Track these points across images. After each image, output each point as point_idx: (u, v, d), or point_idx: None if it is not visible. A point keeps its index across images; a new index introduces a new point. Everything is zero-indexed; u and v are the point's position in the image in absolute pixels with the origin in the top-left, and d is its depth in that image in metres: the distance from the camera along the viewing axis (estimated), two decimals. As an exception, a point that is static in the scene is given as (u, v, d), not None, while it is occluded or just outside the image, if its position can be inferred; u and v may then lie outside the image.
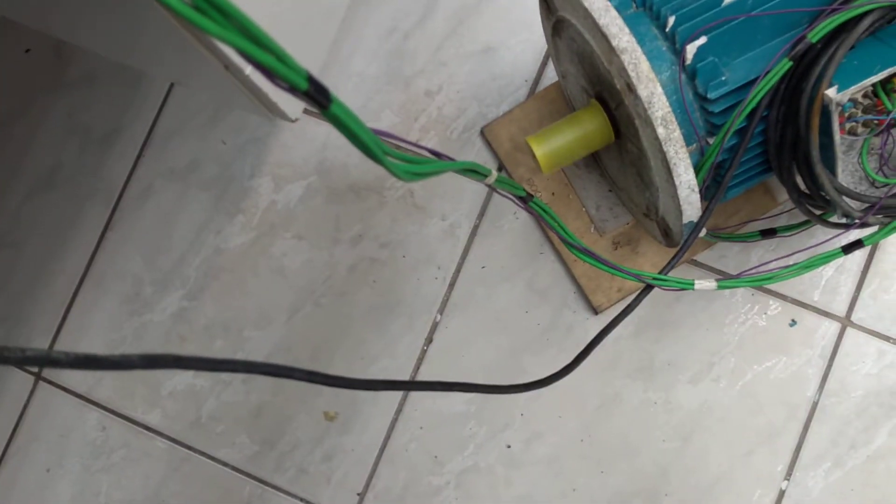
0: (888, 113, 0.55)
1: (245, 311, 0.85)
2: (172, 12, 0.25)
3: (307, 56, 0.65)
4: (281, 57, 0.27)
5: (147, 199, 0.87)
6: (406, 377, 0.83)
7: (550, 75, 0.84)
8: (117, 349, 0.86)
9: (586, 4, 0.56)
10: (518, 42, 0.85)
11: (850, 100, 0.54)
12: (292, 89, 0.28)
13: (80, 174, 0.89)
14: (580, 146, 0.66)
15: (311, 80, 0.28)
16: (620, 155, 0.69)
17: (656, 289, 0.62)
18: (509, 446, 0.81)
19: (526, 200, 0.58)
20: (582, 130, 0.65)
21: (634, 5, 0.61)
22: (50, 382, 0.87)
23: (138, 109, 0.88)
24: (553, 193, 0.82)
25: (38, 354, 0.31)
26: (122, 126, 0.88)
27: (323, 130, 0.85)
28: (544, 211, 0.60)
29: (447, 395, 0.81)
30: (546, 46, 0.83)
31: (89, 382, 0.86)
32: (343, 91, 0.85)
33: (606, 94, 0.64)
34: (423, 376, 0.82)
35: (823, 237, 0.76)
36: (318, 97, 0.29)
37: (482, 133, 0.84)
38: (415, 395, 0.82)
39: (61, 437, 0.87)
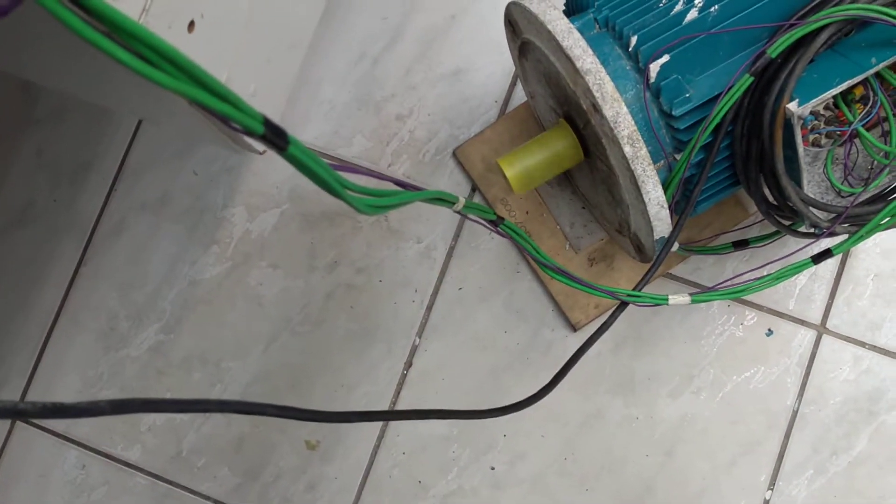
0: (850, 124, 0.56)
1: (223, 343, 0.84)
2: (126, 67, 0.25)
3: (273, 87, 0.65)
4: (235, 103, 0.27)
5: (120, 234, 0.87)
6: (387, 403, 0.82)
7: (520, 95, 0.84)
8: (94, 386, 0.85)
9: (549, 27, 0.57)
10: (487, 63, 0.85)
11: (811, 112, 0.55)
12: (249, 133, 0.28)
13: (52, 210, 0.88)
14: (550, 166, 0.66)
15: (268, 123, 0.28)
16: (591, 173, 0.70)
17: (633, 304, 0.62)
18: (493, 468, 0.81)
19: (496, 223, 0.59)
20: (551, 151, 0.65)
21: (598, 26, 0.61)
22: (27, 422, 0.86)
23: (109, 143, 0.88)
24: (527, 212, 0.82)
25: (4, 407, 0.31)
26: (93, 161, 0.88)
27: (295, 158, 0.85)
28: (516, 233, 0.60)
29: (428, 420, 0.81)
30: (515, 67, 0.83)
31: (67, 420, 0.85)
32: (313, 118, 0.85)
33: (574, 113, 0.64)
34: (404, 401, 0.82)
35: (796, 246, 0.77)
36: (275, 140, 0.29)
37: (454, 155, 0.84)
38: (396, 421, 0.82)
39: (41, 476, 0.86)
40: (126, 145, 0.88)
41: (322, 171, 0.32)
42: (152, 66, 0.25)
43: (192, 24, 0.46)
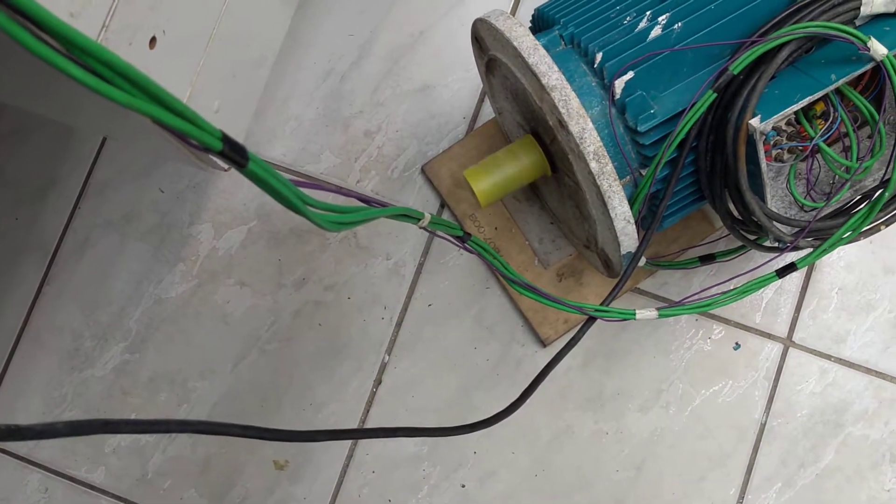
0: (811, 139, 0.56)
1: (189, 362, 0.83)
2: (79, 83, 0.24)
3: (239, 104, 0.65)
4: (192, 120, 0.26)
5: (84, 252, 0.86)
6: (356, 421, 0.81)
7: (488, 112, 0.84)
8: (58, 407, 0.84)
9: (515, 44, 0.57)
10: (455, 80, 0.85)
11: (773, 128, 0.56)
12: (207, 150, 0.28)
13: (15, 229, 0.87)
14: (517, 180, 0.66)
15: (226, 139, 0.28)
16: (559, 188, 0.70)
17: (601, 319, 0.62)
18: (464, 486, 0.80)
19: (464, 240, 0.58)
20: (519, 166, 0.66)
21: (563, 43, 0.61)
22: (-12, 445, 0.84)
23: (73, 161, 0.87)
24: (496, 228, 0.82)
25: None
26: (57, 178, 0.87)
27: (262, 175, 0.84)
28: (484, 249, 0.60)
29: (397, 438, 0.80)
30: (482, 83, 0.83)
31: (29, 444, 0.84)
32: (281, 135, 0.85)
33: (541, 129, 0.64)
34: (373, 419, 0.81)
35: (762, 260, 0.78)
36: (234, 156, 0.28)
37: (423, 171, 0.84)
38: (365, 440, 0.81)
39: (3, 501, 0.84)
40: (90, 162, 0.87)
41: (282, 188, 0.31)
42: (106, 81, 0.25)
43: (153, 41, 0.45)
